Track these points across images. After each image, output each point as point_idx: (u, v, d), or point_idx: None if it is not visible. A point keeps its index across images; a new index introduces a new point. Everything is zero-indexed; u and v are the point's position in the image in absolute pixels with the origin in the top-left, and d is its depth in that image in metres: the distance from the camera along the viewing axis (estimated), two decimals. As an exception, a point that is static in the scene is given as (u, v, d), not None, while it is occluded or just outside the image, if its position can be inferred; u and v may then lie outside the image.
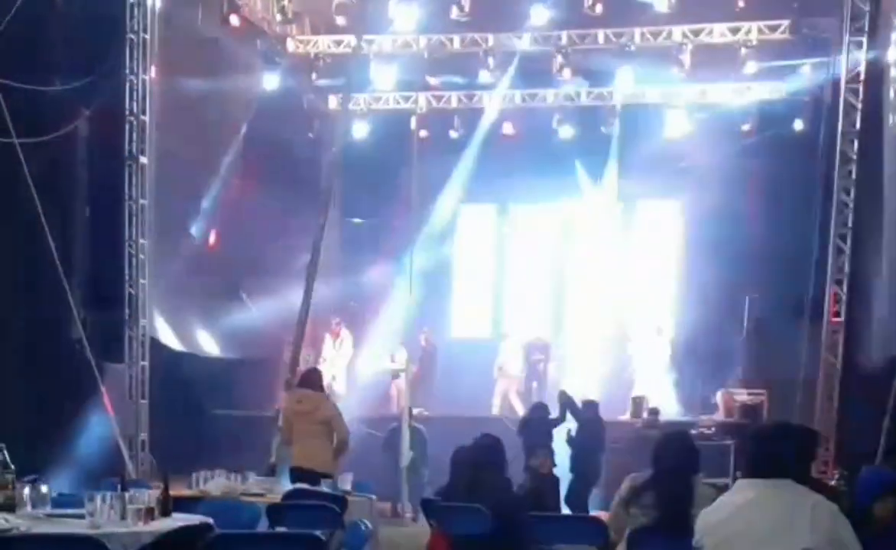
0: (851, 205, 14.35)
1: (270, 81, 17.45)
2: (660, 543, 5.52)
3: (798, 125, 16.94)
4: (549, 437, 12.74)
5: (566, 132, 18.33)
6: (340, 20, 16.82)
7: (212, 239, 16.70)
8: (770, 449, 4.33)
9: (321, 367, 14.54)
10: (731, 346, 17.15)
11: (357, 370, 18.20)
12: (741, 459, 5.40)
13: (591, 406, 14.09)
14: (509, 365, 18.17)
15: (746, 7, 15.99)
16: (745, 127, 17.51)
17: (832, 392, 14.32)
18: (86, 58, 13.52)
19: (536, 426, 12.90)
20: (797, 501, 4.14)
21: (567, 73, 17.12)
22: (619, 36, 16.86)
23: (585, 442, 13.23)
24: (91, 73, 13.48)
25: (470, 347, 19.05)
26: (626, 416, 16.67)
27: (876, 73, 14.18)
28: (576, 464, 13.04)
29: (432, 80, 17.87)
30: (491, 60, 17.19)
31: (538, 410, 13.61)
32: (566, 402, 13.69)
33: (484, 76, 17.47)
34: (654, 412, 15.35)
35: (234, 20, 16.09)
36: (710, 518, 4.38)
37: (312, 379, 9.77)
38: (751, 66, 16.62)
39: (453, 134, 18.64)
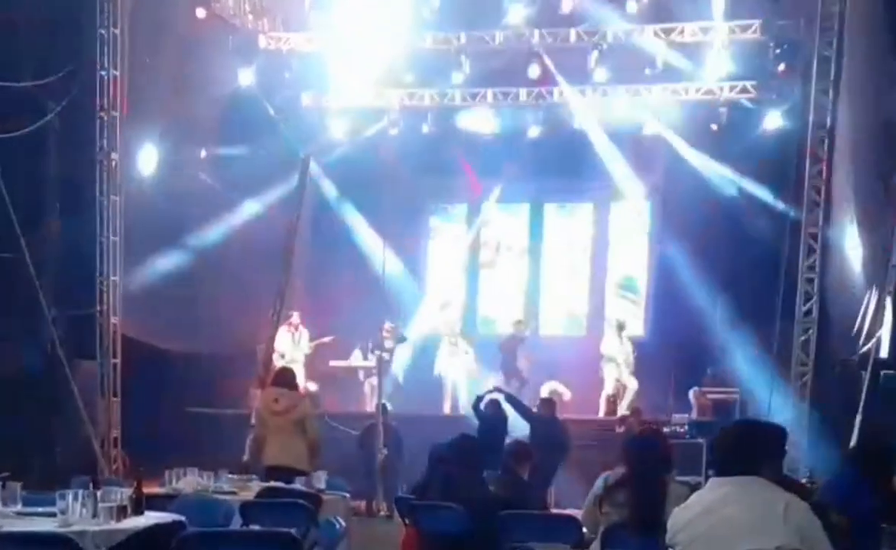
0: (822, 203, 14.48)
1: (243, 78, 17.39)
2: (633, 541, 5.55)
3: (769, 123, 17.04)
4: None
5: (538, 131, 18.36)
6: (313, 17, 16.79)
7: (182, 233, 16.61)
8: (738, 448, 4.36)
9: (278, 362, 14.52)
10: (703, 345, 17.23)
11: (329, 366, 18.16)
12: (712, 457, 5.44)
13: (547, 404, 14.20)
14: (455, 362, 18.12)
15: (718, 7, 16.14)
16: (715, 126, 17.58)
17: (804, 389, 14.44)
18: (56, 53, 13.42)
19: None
20: (769, 499, 4.17)
21: (536, 70, 17.14)
22: (591, 34, 16.92)
23: (540, 442, 13.18)
24: (61, 68, 13.38)
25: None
26: (600, 415, 16.75)
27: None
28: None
29: (406, 78, 17.80)
30: (464, 59, 17.20)
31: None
32: (510, 401, 13.72)
33: (457, 76, 17.46)
34: (636, 412, 15.44)
35: (200, 13, 16.01)
36: (682, 517, 4.40)
37: (287, 378, 9.75)
38: (722, 66, 16.72)
39: (425, 131, 18.64)
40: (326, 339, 17.64)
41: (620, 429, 14.69)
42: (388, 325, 18.08)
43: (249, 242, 17.17)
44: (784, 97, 16.65)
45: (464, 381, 17.88)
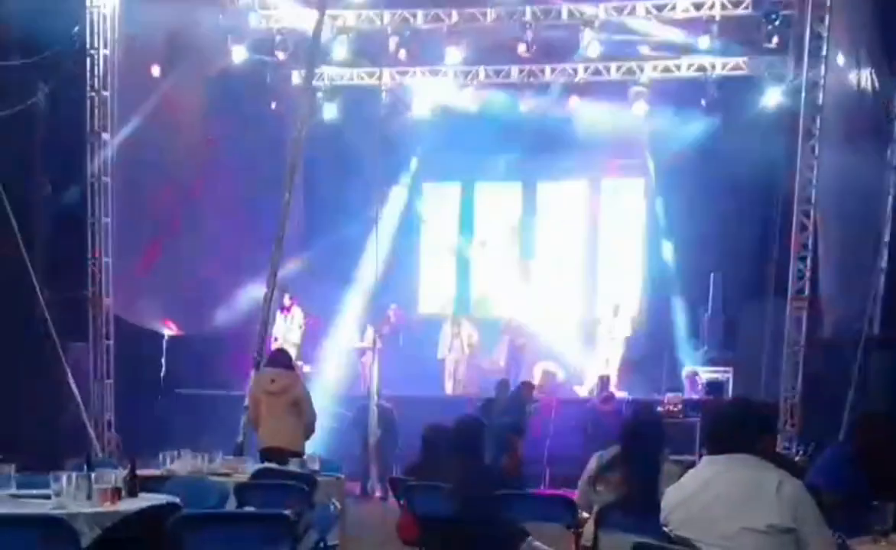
0: (815, 180, 14.46)
1: (236, 56, 17.31)
2: (627, 520, 5.54)
3: (763, 100, 17.00)
4: None
5: (530, 108, 18.29)
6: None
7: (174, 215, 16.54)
8: (730, 426, 4.36)
9: (273, 345, 14.52)
10: (697, 324, 17.24)
11: (322, 347, 18.14)
12: (705, 436, 5.46)
13: (503, 385, 14.26)
14: (455, 344, 18.12)
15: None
16: (704, 102, 17.51)
17: (797, 368, 14.46)
18: (46, 32, 13.32)
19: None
20: (762, 477, 4.17)
21: (522, 48, 17.05)
22: (582, 12, 16.85)
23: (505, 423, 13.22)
24: (51, 47, 13.30)
25: (434, 325, 19.02)
26: (593, 395, 16.77)
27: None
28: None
29: (400, 55, 17.71)
30: (458, 38, 17.13)
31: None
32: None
33: (451, 54, 17.38)
34: (607, 389, 15.57)
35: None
36: (676, 496, 4.41)
37: (282, 359, 9.72)
38: (714, 42, 16.66)
39: (417, 110, 18.59)
40: (308, 319, 17.71)
41: (606, 407, 14.79)
42: (392, 309, 18.12)
43: (243, 222, 17.12)
44: (776, 73, 16.62)
45: (465, 363, 17.87)
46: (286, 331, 17.46)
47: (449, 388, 17.66)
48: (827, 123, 14.03)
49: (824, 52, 14.32)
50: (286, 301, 17.55)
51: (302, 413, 9.20)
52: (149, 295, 15.63)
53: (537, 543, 6.88)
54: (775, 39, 16.16)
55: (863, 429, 6.47)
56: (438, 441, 7.34)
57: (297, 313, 17.72)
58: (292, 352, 16.98)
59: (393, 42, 17.27)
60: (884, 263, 12.59)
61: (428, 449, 7.45)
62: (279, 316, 17.34)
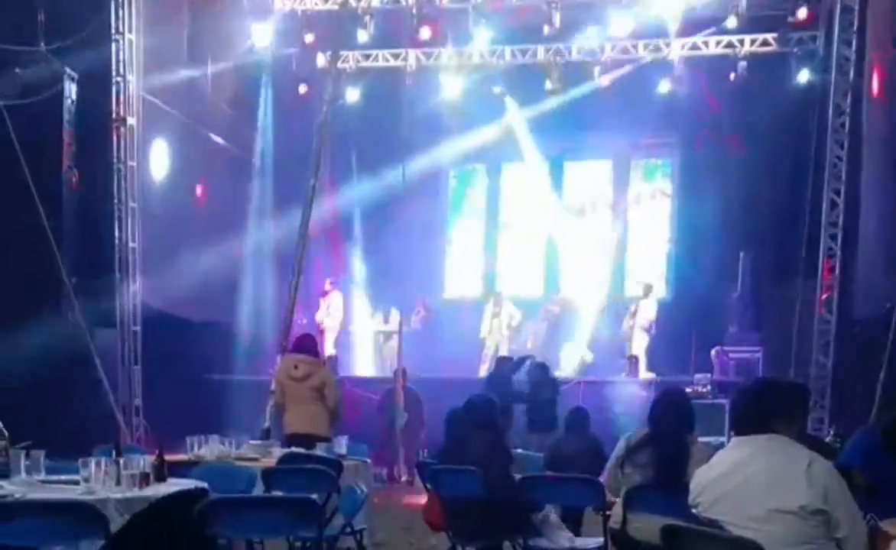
0: (845, 158, 14.31)
1: (259, 40, 17.30)
2: (655, 501, 5.50)
3: (792, 78, 16.82)
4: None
5: (556, 87, 18.18)
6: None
7: (199, 198, 16.58)
8: (756, 406, 4.31)
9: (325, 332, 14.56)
10: (726, 304, 17.11)
11: (350, 332, 18.17)
12: (733, 416, 5.40)
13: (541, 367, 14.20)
14: (494, 323, 18.09)
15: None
16: (733, 79, 17.33)
17: (827, 347, 14.34)
18: (71, 18, 13.35)
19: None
20: (792, 458, 4.12)
21: (548, 29, 16.94)
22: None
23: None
24: (77, 33, 13.32)
25: (463, 307, 19.00)
26: (622, 376, 16.69)
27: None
28: None
29: (423, 36, 17.64)
30: (483, 19, 17.07)
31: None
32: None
33: (477, 33, 17.30)
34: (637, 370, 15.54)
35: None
36: (705, 477, 4.37)
37: (307, 345, 9.69)
38: (743, 19, 16.50)
39: (444, 92, 18.51)
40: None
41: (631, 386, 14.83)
42: (423, 304, 18.14)
43: (268, 207, 17.15)
44: (805, 49, 16.44)
45: (505, 345, 17.83)
46: (326, 317, 17.51)
47: (483, 371, 17.64)
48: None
49: (855, 26, 14.14)
50: (327, 286, 17.59)
51: (326, 398, 9.17)
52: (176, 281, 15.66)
53: (554, 516, 6.86)
54: (804, 13, 15.96)
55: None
56: (462, 423, 7.30)
57: (336, 297, 17.74)
58: (331, 338, 17.11)
59: (418, 23, 17.21)
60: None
61: (452, 432, 7.42)
62: (321, 302, 17.41)
